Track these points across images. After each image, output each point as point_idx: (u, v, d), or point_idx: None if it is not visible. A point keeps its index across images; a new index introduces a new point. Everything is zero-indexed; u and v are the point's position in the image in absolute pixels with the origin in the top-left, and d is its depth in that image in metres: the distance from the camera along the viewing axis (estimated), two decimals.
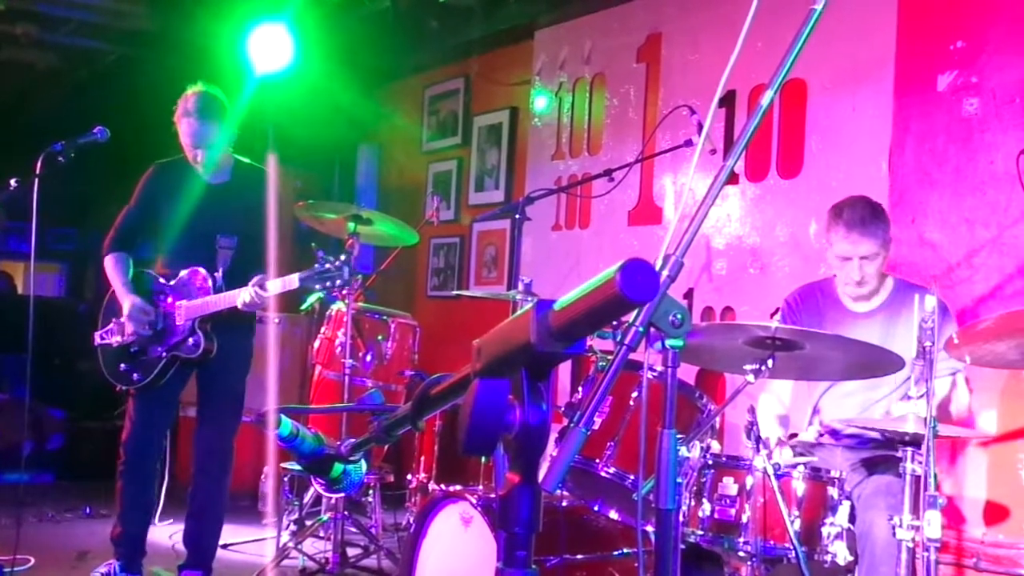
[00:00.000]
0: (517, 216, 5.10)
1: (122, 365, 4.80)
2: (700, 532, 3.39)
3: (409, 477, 5.71)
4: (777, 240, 5.50)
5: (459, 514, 3.72)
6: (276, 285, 4.49)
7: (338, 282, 4.45)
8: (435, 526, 3.84)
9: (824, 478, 3.39)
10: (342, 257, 4.46)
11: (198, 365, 4.76)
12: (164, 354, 4.70)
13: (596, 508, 3.76)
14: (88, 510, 6.59)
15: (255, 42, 7.30)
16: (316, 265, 4.45)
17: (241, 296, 4.52)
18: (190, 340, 4.66)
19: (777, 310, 4.31)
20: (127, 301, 4.71)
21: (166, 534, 5.85)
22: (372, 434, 1.79)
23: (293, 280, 4.46)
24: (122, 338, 4.78)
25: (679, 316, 1.62)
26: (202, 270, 4.70)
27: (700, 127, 4.98)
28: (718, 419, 3.80)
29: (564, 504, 3.85)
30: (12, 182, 4.58)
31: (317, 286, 4.47)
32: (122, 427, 4.85)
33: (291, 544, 5.36)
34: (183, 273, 4.75)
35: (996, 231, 4.57)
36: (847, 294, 4.08)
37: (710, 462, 3.44)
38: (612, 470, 3.53)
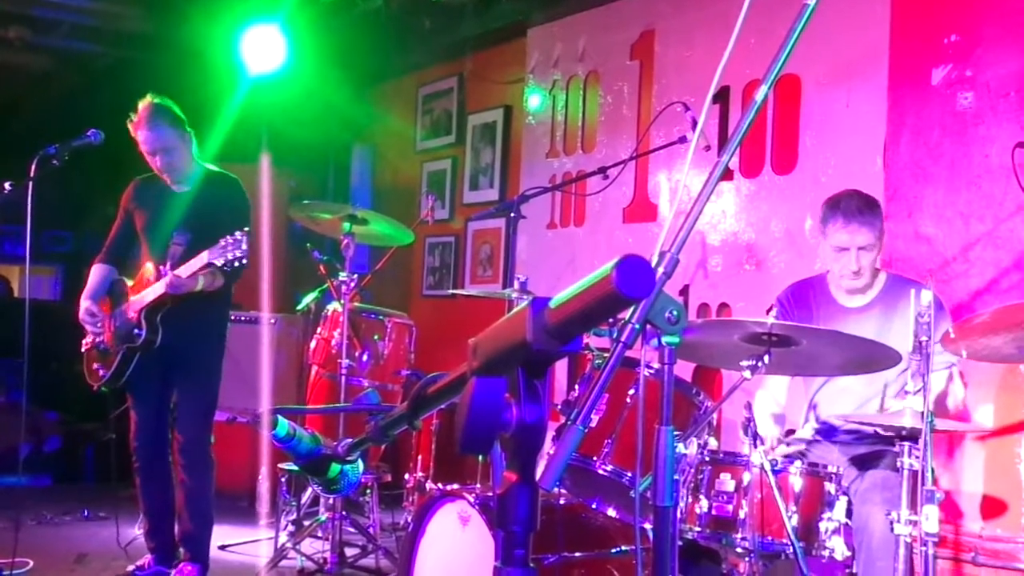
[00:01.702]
0: (512, 214, 5.10)
1: (95, 364, 5.03)
2: (698, 529, 3.39)
3: (406, 476, 5.70)
4: (772, 236, 5.50)
5: (457, 513, 3.72)
6: (190, 266, 4.63)
7: (238, 253, 4.53)
8: (433, 525, 3.84)
9: (821, 473, 3.39)
10: (245, 229, 4.57)
11: (155, 357, 4.85)
12: (120, 348, 4.87)
13: (594, 506, 3.75)
14: (86, 513, 6.58)
15: (248, 43, 7.30)
16: (221, 241, 4.56)
17: (163, 281, 4.67)
18: (135, 330, 4.81)
19: (772, 307, 4.30)
20: (80, 308, 4.95)
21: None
22: (369, 434, 1.79)
23: (203, 257, 4.59)
24: (94, 340, 5.01)
25: (675, 313, 1.62)
26: (150, 265, 4.85)
27: (694, 123, 4.98)
28: (715, 415, 3.79)
29: (562, 502, 3.84)
30: (6, 185, 4.61)
31: (220, 260, 4.54)
32: (116, 430, 4.96)
33: (289, 544, 5.36)
34: (140, 272, 4.95)
35: (991, 225, 4.57)
36: (842, 287, 4.07)
37: (707, 458, 3.44)
38: (610, 467, 3.53)
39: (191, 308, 4.79)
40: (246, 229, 4.57)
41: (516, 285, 4.77)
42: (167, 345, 4.84)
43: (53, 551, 5.61)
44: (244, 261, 4.56)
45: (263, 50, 7.33)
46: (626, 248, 6.28)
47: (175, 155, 4.89)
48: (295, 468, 4.13)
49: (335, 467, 1.88)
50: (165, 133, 4.85)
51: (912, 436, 3.15)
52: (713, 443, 3.66)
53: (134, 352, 4.85)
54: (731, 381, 3.39)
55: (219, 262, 4.54)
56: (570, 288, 1.23)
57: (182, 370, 4.93)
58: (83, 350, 5.09)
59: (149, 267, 4.86)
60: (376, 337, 5.64)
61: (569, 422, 1.52)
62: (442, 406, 1.59)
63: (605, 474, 3.54)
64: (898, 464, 3.18)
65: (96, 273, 5.07)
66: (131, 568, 5.02)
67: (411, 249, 7.33)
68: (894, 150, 4.96)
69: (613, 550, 3.77)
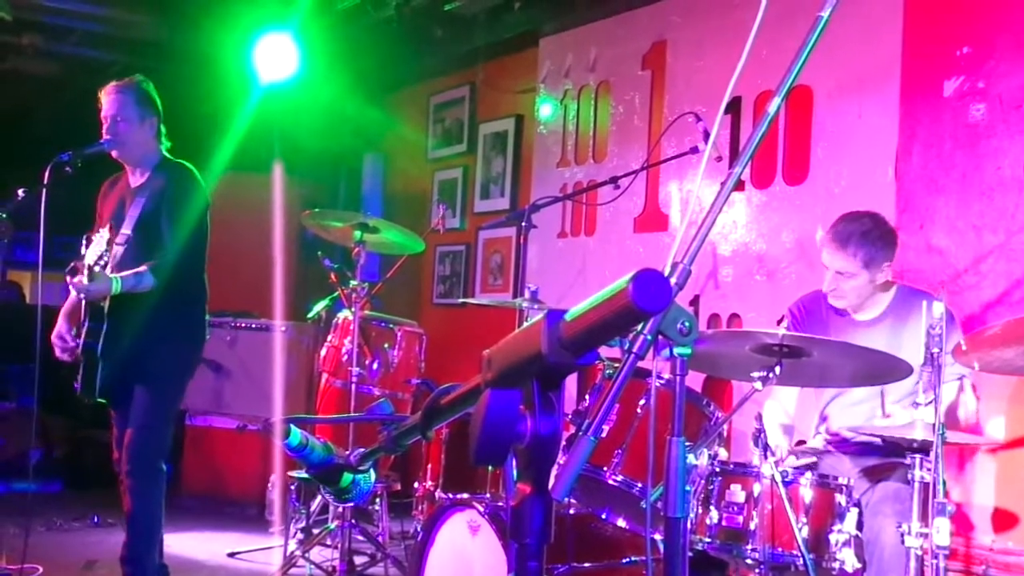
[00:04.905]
0: (523, 223, 5.10)
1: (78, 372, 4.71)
2: (708, 539, 3.39)
3: (416, 485, 5.69)
4: (783, 247, 5.49)
5: (466, 522, 3.72)
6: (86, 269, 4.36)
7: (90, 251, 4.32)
8: (442, 534, 3.84)
9: (832, 485, 3.39)
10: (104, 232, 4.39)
11: (118, 366, 4.53)
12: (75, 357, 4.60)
13: (604, 516, 3.75)
14: (96, 519, 6.59)
15: (261, 52, 7.33)
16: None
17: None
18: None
19: (783, 317, 4.30)
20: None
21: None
22: (382, 444, 1.79)
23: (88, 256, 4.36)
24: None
25: (687, 324, 1.62)
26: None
27: (706, 134, 4.98)
28: (725, 426, 3.79)
29: (572, 512, 3.84)
30: (20, 192, 4.59)
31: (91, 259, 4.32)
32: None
33: (298, 552, 5.36)
34: None
35: (1004, 237, 4.56)
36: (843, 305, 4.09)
37: (718, 469, 3.43)
38: (620, 478, 3.53)
39: (137, 311, 4.49)
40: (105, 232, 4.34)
41: (527, 294, 4.77)
42: (121, 354, 4.52)
43: (63, 557, 5.62)
44: (103, 262, 4.27)
45: (275, 59, 7.35)
46: (637, 258, 6.28)
47: (121, 127, 4.64)
48: (305, 476, 4.13)
49: (347, 476, 1.89)
50: (123, 102, 4.63)
51: (923, 448, 3.14)
52: (723, 454, 3.66)
53: (91, 359, 4.52)
54: (742, 392, 3.39)
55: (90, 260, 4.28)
56: (585, 301, 1.23)
57: (135, 374, 4.57)
58: None
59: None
60: (386, 345, 5.64)
61: (581, 432, 1.52)
62: (455, 417, 1.59)
63: (615, 484, 3.53)
64: (909, 476, 3.18)
65: None
66: None
67: (422, 257, 7.34)
68: (906, 162, 4.95)
69: (623, 561, 3.77)
